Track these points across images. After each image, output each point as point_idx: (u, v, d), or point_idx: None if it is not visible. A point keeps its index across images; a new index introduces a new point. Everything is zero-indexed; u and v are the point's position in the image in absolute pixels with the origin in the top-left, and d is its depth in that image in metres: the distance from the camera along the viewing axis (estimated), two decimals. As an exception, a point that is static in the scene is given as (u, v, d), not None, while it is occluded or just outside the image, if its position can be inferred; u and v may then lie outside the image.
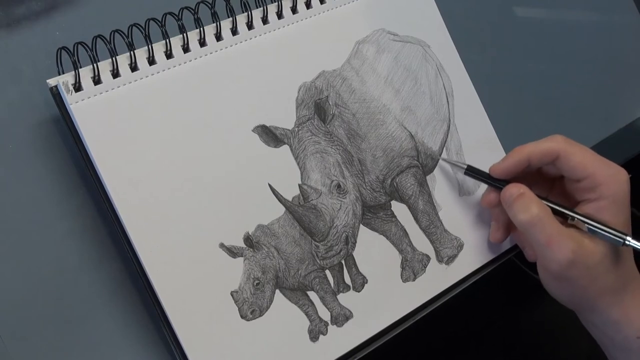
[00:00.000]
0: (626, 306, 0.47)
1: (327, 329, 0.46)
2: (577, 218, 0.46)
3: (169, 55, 0.44)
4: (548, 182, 0.51)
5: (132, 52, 0.43)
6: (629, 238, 0.45)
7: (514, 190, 0.47)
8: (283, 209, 0.46)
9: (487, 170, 0.50)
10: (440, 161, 0.52)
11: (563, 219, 0.47)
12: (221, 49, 0.46)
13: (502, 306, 0.61)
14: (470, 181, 0.53)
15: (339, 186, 0.48)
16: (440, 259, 0.50)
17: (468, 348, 0.58)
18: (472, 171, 0.51)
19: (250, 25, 0.47)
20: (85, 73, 0.42)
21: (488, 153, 0.54)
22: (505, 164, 0.48)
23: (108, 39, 0.42)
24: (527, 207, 0.46)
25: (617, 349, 0.48)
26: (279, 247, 0.46)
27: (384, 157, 0.50)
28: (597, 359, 0.51)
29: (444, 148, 0.52)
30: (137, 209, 0.42)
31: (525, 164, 0.48)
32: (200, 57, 0.45)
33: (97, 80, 0.42)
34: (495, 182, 0.49)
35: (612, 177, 0.46)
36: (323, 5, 0.50)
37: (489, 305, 0.60)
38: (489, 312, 0.60)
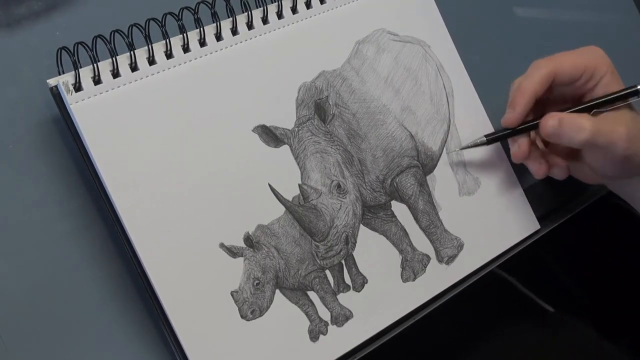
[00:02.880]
0: None
1: (327, 329, 0.46)
2: (599, 102, 0.49)
3: (169, 55, 0.44)
4: (540, 106, 0.52)
5: (132, 52, 0.43)
6: (639, 86, 0.49)
7: (551, 121, 0.48)
8: (283, 209, 0.46)
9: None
10: (443, 159, 0.52)
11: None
12: (221, 49, 0.46)
13: (503, 306, 0.61)
14: (470, 181, 0.53)
15: (339, 186, 0.48)
16: (440, 259, 0.50)
17: (468, 348, 0.58)
18: (493, 136, 0.52)
19: (250, 25, 0.47)
20: (86, 73, 0.42)
21: (488, 152, 0.54)
22: (518, 111, 0.49)
23: (108, 39, 0.42)
24: (579, 126, 0.47)
25: None
26: (279, 247, 0.46)
27: (384, 157, 0.50)
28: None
29: (444, 148, 0.52)
30: (137, 209, 0.42)
31: (533, 100, 0.49)
32: (200, 57, 0.45)
33: (97, 80, 0.42)
34: (516, 130, 0.50)
35: (596, 57, 0.50)
36: (323, 5, 0.50)
37: (490, 305, 0.60)
38: (489, 311, 0.60)
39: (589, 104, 0.50)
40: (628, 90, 0.49)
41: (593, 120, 0.48)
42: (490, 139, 0.51)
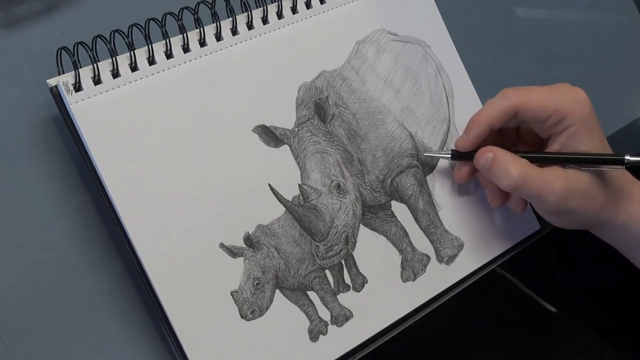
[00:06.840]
0: (628, 209, 0.47)
1: (327, 329, 0.46)
2: (565, 163, 0.45)
3: (169, 55, 0.44)
4: (513, 131, 0.51)
5: (132, 52, 0.43)
6: (627, 157, 0.44)
7: (486, 156, 0.46)
8: (283, 209, 0.46)
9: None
10: (440, 160, 0.52)
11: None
12: (221, 49, 0.46)
13: (503, 306, 0.61)
14: (470, 181, 0.53)
15: (339, 186, 0.48)
16: (440, 259, 0.50)
17: (468, 348, 0.58)
18: (457, 154, 0.49)
19: (250, 25, 0.47)
20: (86, 73, 0.42)
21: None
22: (470, 137, 0.47)
23: (108, 39, 0.42)
24: (506, 172, 0.45)
25: (631, 248, 0.50)
26: (279, 247, 0.46)
27: (384, 157, 0.50)
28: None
29: (444, 148, 0.52)
30: (137, 209, 0.42)
31: (489, 130, 0.47)
32: (200, 57, 0.45)
33: (97, 80, 0.42)
34: (466, 156, 0.48)
35: (574, 102, 0.46)
36: (323, 5, 0.50)
37: (490, 304, 0.60)
38: (489, 311, 0.60)
39: (552, 156, 0.46)
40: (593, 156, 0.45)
41: (527, 168, 0.45)
42: (454, 155, 0.49)
